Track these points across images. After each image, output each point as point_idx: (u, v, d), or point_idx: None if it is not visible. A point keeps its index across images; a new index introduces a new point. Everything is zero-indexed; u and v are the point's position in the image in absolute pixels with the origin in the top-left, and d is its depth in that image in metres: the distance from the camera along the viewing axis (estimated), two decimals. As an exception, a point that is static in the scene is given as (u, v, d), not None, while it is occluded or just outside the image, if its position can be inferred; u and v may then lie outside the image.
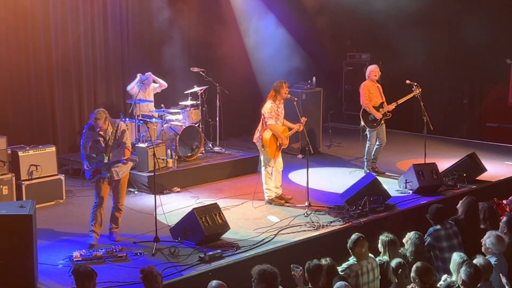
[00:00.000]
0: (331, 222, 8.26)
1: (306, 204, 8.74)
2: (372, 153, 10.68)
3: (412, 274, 5.92)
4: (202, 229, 7.38)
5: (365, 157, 10.76)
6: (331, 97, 14.91)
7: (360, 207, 8.53)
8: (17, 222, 6.23)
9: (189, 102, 11.02)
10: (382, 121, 10.54)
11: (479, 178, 10.26)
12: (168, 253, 7.22)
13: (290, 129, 9.13)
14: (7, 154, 8.85)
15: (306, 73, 13.08)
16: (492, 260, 6.26)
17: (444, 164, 10.55)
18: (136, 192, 9.71)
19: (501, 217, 7.66)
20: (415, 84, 10.39)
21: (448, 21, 14.04)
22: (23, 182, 8.94)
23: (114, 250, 7.09)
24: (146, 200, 9.37)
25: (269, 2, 13.33)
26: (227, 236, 7.75)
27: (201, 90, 11.29)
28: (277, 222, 8.32)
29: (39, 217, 7.66)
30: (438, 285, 6.23)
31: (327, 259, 6.28)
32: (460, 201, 7.96)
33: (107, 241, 7.61)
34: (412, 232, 6.96)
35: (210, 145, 11.59)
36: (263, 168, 9.12)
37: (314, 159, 11.32)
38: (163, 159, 9.87)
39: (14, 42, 10.43)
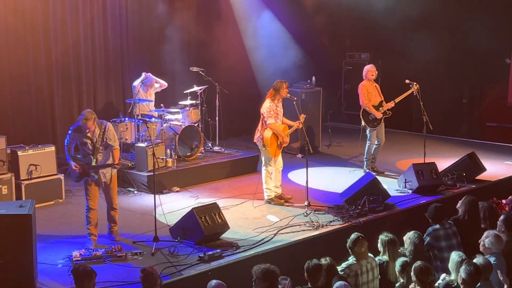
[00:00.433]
0: (331, 221, 8.26)
1: (306, 203, 8.74)
2: (371, 153, 10.69)
3: (411, 273, 5.93)
4: (202, 228, 7.38)
5: (364, 157, 10.76)
6: (330, 97, 14.91)
7: (359, 207, 8.52)
8: (17, 222, 6.23)
9: (188, 102, 11.02)
10: (382, 120, 10.54)
11: (478, 177, 10.26)
12: (167, 252, 7.22)
13: (290, 127, 9.13)
14: (6, 154, 8.85)
15: (306, 73, 13.08)
16: (492, 259, 6.26)
17: (443, 163, 10.54)
18: (135, 192, 9.71)
19: (501, 217, 7.67)
20: (414, 83, 10.39)
21: (448, 21, 14.04)
22: (22, 182, 8.94)
23: (114, 250, 7.09)
24: (145, 199, 9.37)
25: (269, 1, 13.33)
26: (226, 235, 7.75)
27: (200, 89, 11.29)
28: (277, 222, 8.33)
29: (39, 217, 7.66)
30: (436, 284, 6.23)
31: (327, 258, 6.29)
32: (460, 201, 7.96)
33: (106, 241, 7.61)
34: (412, 232, 6.96)
35: (210, 144, 11.59)
36: (263, 168, 9.12)
37: (314, 158, 11.34)
38: (162, 159, 9.87)
39: (14, 41, 10.42)
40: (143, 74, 10.76)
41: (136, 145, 10.07)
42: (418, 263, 5.92)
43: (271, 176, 9.13)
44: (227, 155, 11.22)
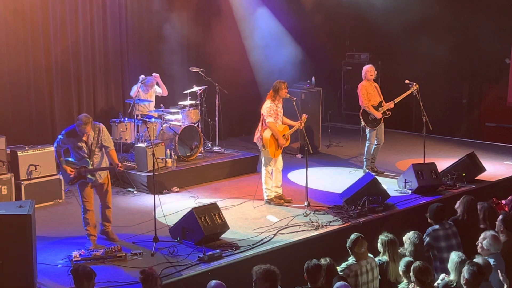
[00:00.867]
0: (330, 222, 8.26)
1: (306, 204, 8.74)
2: (371, 153, 10.69)
3: (411, 273, 5.93)
4: (202, 229, 7.38)
5: (364, 157, 10.76)
6: (330, 97, 14.92)
7: (359, 207, 8.53)
8: (16, 222, 6.23)
9: (188, 102, 11.02)
10: (381, 120, 10.54)
11: (478, 177, 10.26)
12: (167, 253, 7.21)
13: (290, 127, 9.14)
14: (6, 154, 8.85)
15: (305, 73, 13.08)
16: (491, 260, 6.26)
17: (443, 163, 10.55)
18: (135, 192, 9.71)
19: (500, 217, 7.67)
20: (414, 83, 10.39)
21: (447, 21, 14.03)
22: (22, 182, 8.94)
23: (113, 250, 7.09)
24: (145, 200, 9.37)
25: (269, 1, 13.33)
26: (226, 236, 7.75)
27: (200, 90, 11.28)
28: (276, 222, 8.33)
29: (38, 217, 7.67)
30: (435, 284, 6.23)
31: (327, 259, 6.29)
32: (458, 201, 7.95)
33: (106, 242, 7.61)
34: (411, 232, 6.96)
35: (209, 145, 11.59)
36: (263, 168, 9.12)
37: (314, 158, 11.34)
38: (162, 159, 9.86)
39: (13, 41, 10.41)
40: (140, 77, 10.69)
41: (135, 145, 10.07)
42: (417, 263, 5.93)
43: (270, 176, 9.12)
44: (226, 155, 11.22)
